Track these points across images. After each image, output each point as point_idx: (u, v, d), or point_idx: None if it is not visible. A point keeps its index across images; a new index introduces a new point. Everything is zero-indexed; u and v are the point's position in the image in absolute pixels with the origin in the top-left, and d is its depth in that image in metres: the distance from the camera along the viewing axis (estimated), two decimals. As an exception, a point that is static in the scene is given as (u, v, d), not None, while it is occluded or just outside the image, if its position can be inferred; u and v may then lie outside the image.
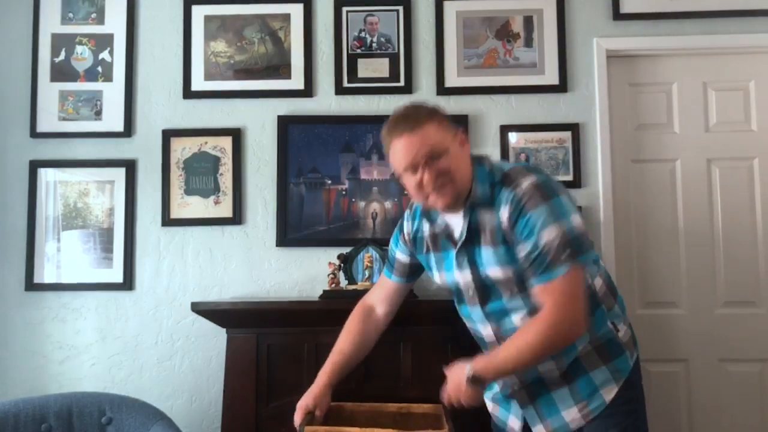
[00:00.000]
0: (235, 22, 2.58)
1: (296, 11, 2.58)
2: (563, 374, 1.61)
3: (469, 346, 1.81)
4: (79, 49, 2.59)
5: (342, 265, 2.35)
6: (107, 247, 2.52)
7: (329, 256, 2.39)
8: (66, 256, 2.53)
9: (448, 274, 1.66)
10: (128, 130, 2.56)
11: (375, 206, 2.51)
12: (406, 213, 1.79)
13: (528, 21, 2.56)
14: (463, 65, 2.55)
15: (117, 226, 2.53)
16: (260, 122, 2.56)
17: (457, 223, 1.60)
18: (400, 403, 2.10)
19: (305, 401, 1.73)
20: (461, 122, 2.49)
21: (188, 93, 2.57)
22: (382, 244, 2.38)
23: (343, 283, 2.35)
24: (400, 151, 1.52)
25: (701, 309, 2.53)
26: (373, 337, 1.86)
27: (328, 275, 2.32)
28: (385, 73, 2.56)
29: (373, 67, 2.57)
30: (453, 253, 1.62)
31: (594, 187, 2.50)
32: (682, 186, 2.57)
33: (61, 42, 2.59)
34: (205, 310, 2.28)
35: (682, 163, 2.58)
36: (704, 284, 2.54)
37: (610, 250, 2.46)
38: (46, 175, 2.55)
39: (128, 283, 2.50)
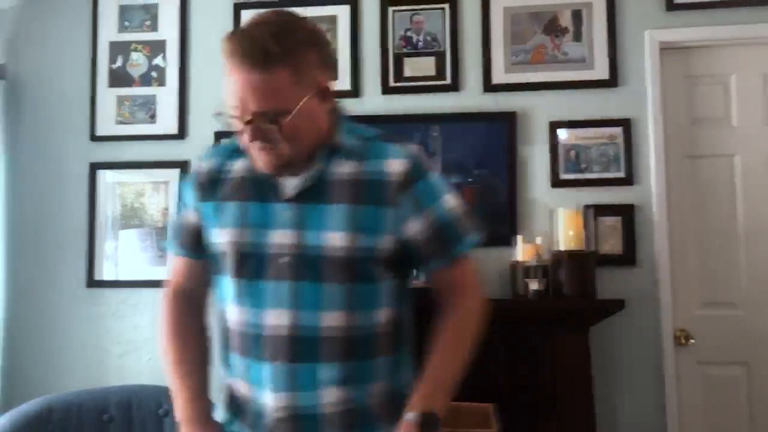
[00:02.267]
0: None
1: (342, 13, 2.60)
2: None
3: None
4: (134, 55, 2.69)
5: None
6: (162, 246, 2.61)
7: (377, 254, 2.40)
8: (124, 255, 2.62)
9: (254, 231, 1.22)
10: (181, 132, 2.64)
11: (422, 205, 2.50)
12: (203, 154, 1.35)
13: (577, 15, 2.51)
14: (510, 61, 2.53)
15: (172, 226, 2.61)
16: (308, 123, 2.59)
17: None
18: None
19: None
20: (509, 119, 2.47)
21: (238, 95, 2.62)
22: (429, 242, 2.38)
23: (391, 281, 2.35)
24: (233, 85, 1.16)
25: (762, 310, 2.44)
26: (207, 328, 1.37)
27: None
28: (432, 72, 2.56)
29: (420, 66, 2.57)
30: (275, 205, 1.22)
31: (646, 184, 2.43)
32: (741, 182, 2.47)
33: (118, 49, 2.69)
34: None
35: (741, 159, 2.48)
36: (765, 284, 2.44)
37: (664, 249, 2.39)
38: (104, 176, 2.65)
39: (182, 281, 2.58)
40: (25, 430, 1.43)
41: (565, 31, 2.51)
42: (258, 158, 1.20)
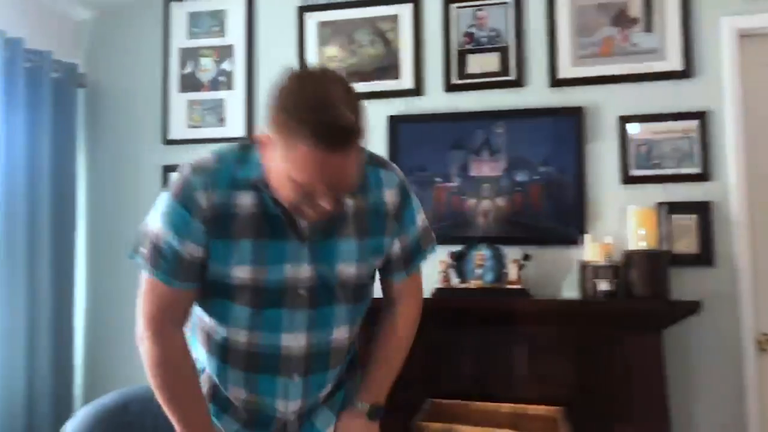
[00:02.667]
0: (345, 27, 2.65)
1: (405, 12, 2.60)
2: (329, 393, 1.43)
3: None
4: (203, 61, 2.77)
5: (454, 263, 2.34)
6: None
7: (440, 254, 2.38)
8: (195, 255, 2.71)
9: (272, 268, 1.27)
10: (250, 135, 2.70)
11: (486, 203, 2.47)
12: (192, 182, 1.25)
13: (647, 4, 2.41)
14: (577, 55, 2.46)
15: (240, 226, 2.68)
16: (372, 122, 2.59)
17: None
18: (515, 404, 2.07)
19: None
20: (576, 115, 2.41)
21: (303, 97, 2.66)
22: (494, 242, 2.35)
23: (455, 281, 2.34)
24: (313, 165, 1.12)
25: None
26: None
27: (440, 273, 2.32)
28: (496, 68, 2.52)
29: (483, 63, 2.54)
30: (291, 244, 1.27)
31: (724, 180, 2.31)
32: (830, 176, 2.31)
33: (188, 55, 2.78)
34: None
35: (830, 151, 2.33)
36: None
37: (744, 248, 2.27)
38: (176, 179, 2.75)
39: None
40: (103, 421, 1.50)
41: (634, 21, 2.42)
42: (306, 214, 1.21)
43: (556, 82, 2.46)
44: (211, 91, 2.75)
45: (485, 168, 2.49)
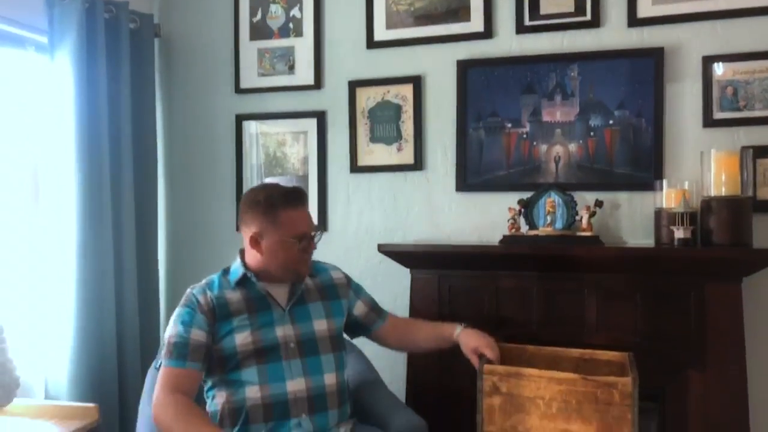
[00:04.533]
0: (414, -32, 2.59)
1: (475, -50, 2.51)
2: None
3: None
4: (272, 8, 2.79)
5: (522, 210, 2.32)
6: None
7: (509, 201, 2.37)
8: (268, 201, 2.79)
9: (266, 330, 1.78)
10: (318, 83, 2.72)
11: (558, 149, 2.42)
12: (194, 291, 1.81)
13: (739, -67, 2.24)
14: (658, -8, 2.32)
15: (311, 173, 2.74)
16: (440, 68, 2.57)
17: (280, 288, 1.84)
18: (583, 349, 2.07)
19: None
20: (656, 55, 2.29)
21: (371, 43, 2.65)
22: (565, 188, 2.31)
23: (524, 228, 2.33)
24: (301, 218, 1.81)
25: None
26: None
27: (508, 220, 2.31)
28: (570, 8, 2.41)
29: (557, 2, 2.44)
30: (276, 312, 1.81)
31: (818, 121, 2.17)
32: None
33: (257, 2, 2.80)
34: (390, 252, 2.41)
35: None
36: None
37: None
38: (249, 127, 2.82)
39: (323, 225, 2.71)
40: None
41: (724, -48, 2.26)
42: (303, 264, 1.84)
43: (635, 22, 2.34)
44: (281, 38, 2.77)
45: (557, 113, 2.43)
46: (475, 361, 1.85)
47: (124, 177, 2.55)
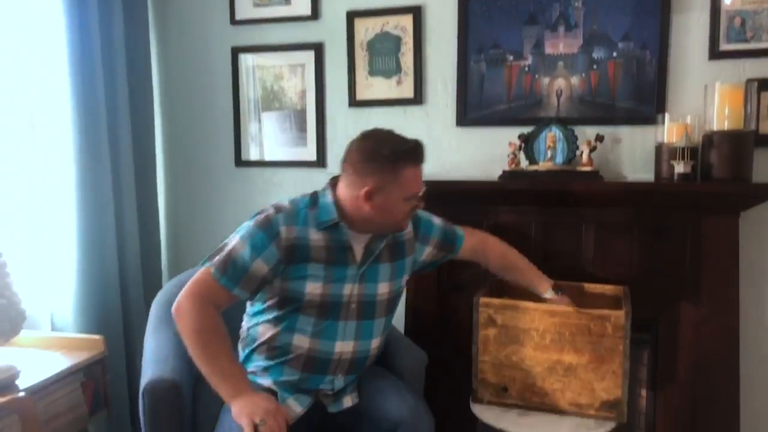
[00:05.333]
0: None
1: None
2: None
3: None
4: (267, -66, 2.68)
5: (523, 144, 2.30)
6: (301, 127, 2.72)
7: (510, 135, 2.35)
8: (266, 136, 2.77)
9: (336, 285, 1.69)
10: (315, 13, 2.65)
11: (560, 82, 2.38)
12: (279, 217, 1.65)
13: None
14: None
15: (309, 108, 2.70)
16: (440, -2, 2.50)
17: (361, 242, 1.72)
18: (579, 282, 2.10)
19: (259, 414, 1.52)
20: (663, -16, 2.22)
21: (369, -29, 2.56)
22: (566, 123, 2.28)
23: (524, 163, 2.31)
24: (415, 178, 1.66)
25: None
26: None
27: (508, 155, 2.30)
28: (576, -67, 2.32)
29: (563, -73, 2.34)
30: (349, 268, 1.70)
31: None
32: None
33: (260, -71, 2.69)
34: (389, 187, 2.40)
35: None
36: None
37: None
38: (245, 60, 2.76)
39: (321, 160, 2.70)
40: None
41: None
42: (406, 221, 1.75)
43: (642, -53, 2.25)
44: (276, -34, 2.68)
45: (560, 45, 2.37)
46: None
47: (120, 111, 2.52)
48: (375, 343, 1.80)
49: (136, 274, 2.59)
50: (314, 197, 1.72)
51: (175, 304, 1.62)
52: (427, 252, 1.91)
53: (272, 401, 1.57)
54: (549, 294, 1.91)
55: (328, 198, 1.69)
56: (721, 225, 2.06)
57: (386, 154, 1.60)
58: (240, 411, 1.51)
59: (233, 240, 1.66)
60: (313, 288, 1.66)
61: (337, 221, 1.67)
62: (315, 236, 1.66)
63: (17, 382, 1.73)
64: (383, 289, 1.77)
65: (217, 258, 1.64)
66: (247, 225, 1.68)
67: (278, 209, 1.68)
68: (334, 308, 1.70)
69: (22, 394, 1.60)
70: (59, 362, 1.92)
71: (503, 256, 2.01)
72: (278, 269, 1.64)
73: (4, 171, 2.23)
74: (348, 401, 1.78)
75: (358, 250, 1.72)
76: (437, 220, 1.94)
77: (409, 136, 1.70)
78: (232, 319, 1.71)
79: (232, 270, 1.61)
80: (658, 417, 2.15)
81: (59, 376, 1.86)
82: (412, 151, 1.64)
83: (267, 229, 1.64)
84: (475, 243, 1.99)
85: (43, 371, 1.84)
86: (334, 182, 1.73)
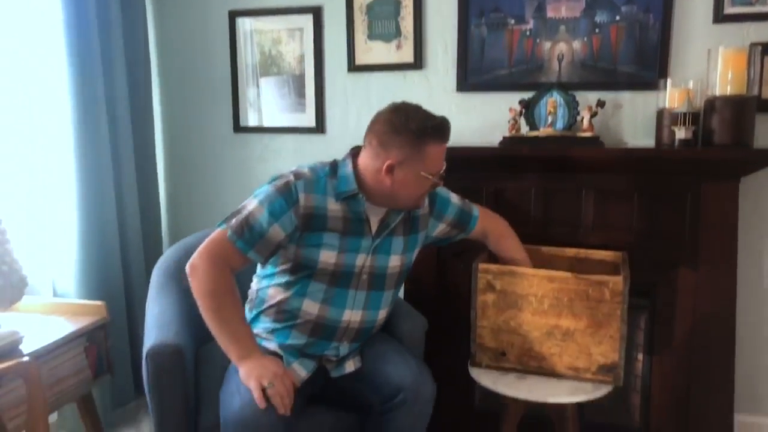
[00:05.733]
0: None
1: None
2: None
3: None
4: None
5: (523, 110, 2.29)
6: (300, 92, 2.69)
7: (511, 101, 2.33)
8: (265, 102, 2.75)
9: (349, 255, 1.69)
10: (313, -24, 2.60)
11: (562, 47, 2.35)
12: (298, 183, 1.63)
13: None
14: None
15: (308, 73, 2.67)
16: (441, -41, 2.45)
17: (377, 214, 1.72)
18: (578, 248, 2.11)
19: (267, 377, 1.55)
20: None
21: (369, -68, 2.51)
22: (567, 88, 2.26)
23: (524, 129, 2.30)
24: (439, 156, 1.66)
25: None
26: None
27: (509, 121, 2.28)
28: None
29: None
30: (364, 239, 1.71)
31: (833, 16, 2.09)
32: None
33: None
34: (388, 153, 2.39)
35: None
36: None
37: None
38: (243, 24, 2.72)
39: (320, 126, 2.68)
40: (187, 258, 1.68)
41: None
42: (421, 199, 1.74)
43: None
44: (273, -73, 2.62)
45: (563, 8, 2.33)
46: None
47: (117, 75, 2.49)
48: (382, 314, 1.82)
49: (137, 241, 2.60)
50: (334, 166, 1.71)
51: (189, 263, 1.62)
52: (439, 228, 1.91)
53: (280, 365, 1.60)
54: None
55: (348, 168, 1.68)
56: (721, 191, 2.05)
57: (413, 129, 1.59)
58: (249, 373, 1.54)
59: (251, 203, 1.65)
60: (327, 257, 1.67)
61: (356, 192, 1.66)
62: (333, 206, 1.66)
63: (21, 347, 1.75)
64: (394, 262, 1.78)
65: (234, 220, 1.63)
66: (266, 189, 1.66)
67: (298, 176, 1.66)
68: (345, 277, 1.71)
69: (26, 358, 1.62)
70: (62, 327, 1.94)
71: (510, 248, 2.01)
72: (294, 236, 1.64)
73: (3, 133, 2.22)
74: (350, 366, 1.79)
75: (374, 222, 1.72)
76: (455, 198, 1.93)
77: (410, 101, 1.69)
78: (241, 279, 1.72)
79: (248, 233, 1.61)
80: (654, 380, 2.18)
81: (63, 341, 1.88)
82: (439, 128, 1.62)
83: (286, 194, 1.63)
84: (488, 227, 1.99)
85: (47, 336, 1.86)
86: (355, 152, 1.72)
